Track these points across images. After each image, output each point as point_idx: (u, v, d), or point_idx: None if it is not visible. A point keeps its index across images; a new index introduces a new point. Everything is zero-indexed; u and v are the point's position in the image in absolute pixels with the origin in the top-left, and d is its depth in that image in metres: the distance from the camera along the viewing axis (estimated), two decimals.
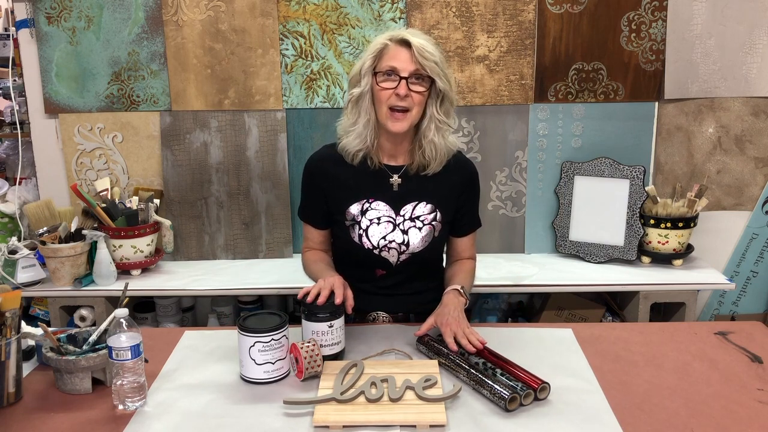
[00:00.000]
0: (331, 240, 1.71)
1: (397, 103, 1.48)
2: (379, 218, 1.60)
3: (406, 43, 1.48)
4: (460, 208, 1.65)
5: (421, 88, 1.49)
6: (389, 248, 1.60)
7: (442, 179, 1.61)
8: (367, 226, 1.60)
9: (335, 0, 2.34)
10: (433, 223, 1.61)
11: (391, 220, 1.60)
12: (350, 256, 1.64)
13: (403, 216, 1.60)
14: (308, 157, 1.67)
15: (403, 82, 1.47)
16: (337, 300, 1.41)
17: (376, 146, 1.58)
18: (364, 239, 1.60)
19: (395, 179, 1.60)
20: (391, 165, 1.61)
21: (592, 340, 1.53)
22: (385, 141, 1.59)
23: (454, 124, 1.58)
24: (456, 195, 1.63)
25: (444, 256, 1.76)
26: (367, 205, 1.60)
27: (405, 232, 1.60)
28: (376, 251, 1.61)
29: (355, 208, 1.60)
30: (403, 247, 1.61)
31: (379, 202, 1.60)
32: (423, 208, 1.61)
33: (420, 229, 1.60)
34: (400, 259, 1.62)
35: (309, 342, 1.36)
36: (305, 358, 1.32)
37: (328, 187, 1.62)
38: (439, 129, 1.54)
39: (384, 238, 1.60)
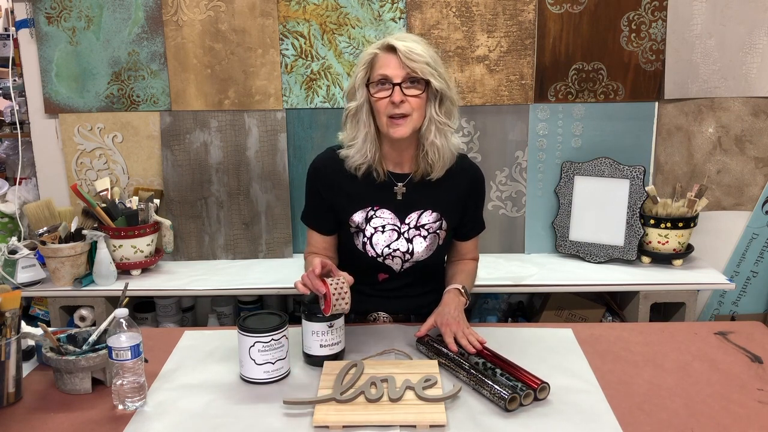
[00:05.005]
0: (336, 244, 1.68)
1: (395, 111, 1.45)
2: (383, 226, 1.58)
3: (393, 49, 1.45)
4: (465, 213, 1.64)
5: (416, 92, 1.45)
6: (393, 256, 1.59)
7: (447, 185, 1.58)
8: (372, 234, 1.58)
9: (335, 0, 2.34)
10: (438, 231, 1.60)
11: (396, 228, 1.58)
12: (353, 261, 1.62)
13: (408, 224, 1.59)
14: (312, 158, 1.64)
15: (397, 88, 1.44)
16: (317, 270, 1.37)
17: (378, 157, 1.55)
18: (368, 247, 1.59)
19: (399, 188, 1.58)
20: (396, 173, 1.58)
21: (592, 340, 1.53)
22: (389, 149, 1.56)
23: (456, 124, 1.54)
24: (462, 201, 1.61)
25: (445, 257, 1.75)
26: (371, 212, 1.58)
27: (410, 240, 1.59)
28: (380, 259, 1.60)
29: (359, 216, 1.58)
30: (407, 256, 1.60)
31: (384, 210, 1.58)
32: (428, 217, 1.59)
33: (425, 237, 1.59)
34: (404, 267, 1.61)
35: (339, 278, 1.36)
36: (333, 294, 1.32)
37: (331, 195, 1.59)
38: (440, 130, 1.50)
39: (388, 246, 1.58)
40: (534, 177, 2.48)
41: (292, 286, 2.17)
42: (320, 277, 1.37)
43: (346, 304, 1.34)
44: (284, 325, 1.34)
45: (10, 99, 2.53)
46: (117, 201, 2.32)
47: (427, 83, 1.46)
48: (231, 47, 2.37)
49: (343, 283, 1.36)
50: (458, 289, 1.57)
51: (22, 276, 2.21)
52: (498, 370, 1.30)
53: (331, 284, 1.35)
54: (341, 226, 1.62)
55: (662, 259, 2.33)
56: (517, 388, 1.24)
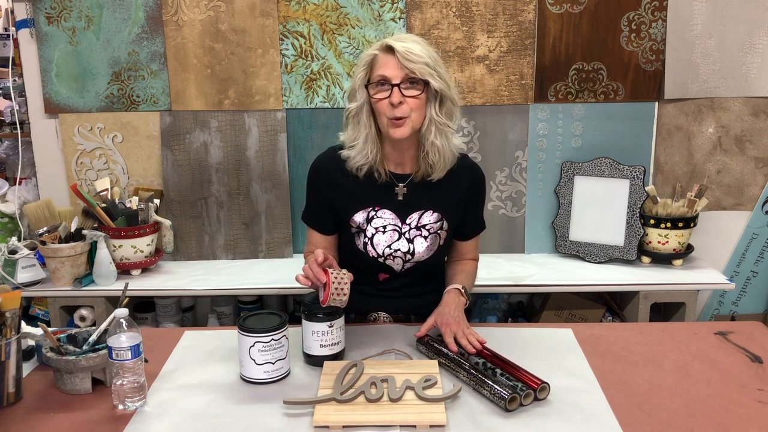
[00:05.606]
0: (336, 243, 1.68)
1: (395, 113, 1.44)
2: (384, 227, 1.58)
3: (392, 50, 1.44)
4: (466, 213, 1.63)
5: (415, 92, 1.45)
6: (394, 257, 1.59)
7: (448, 186, 1.58)
8: (373, 234, 1.58)
9: (335, 0, 2.35)
10: (439, 231, 1.60)
11: (397, 228, 1.58)
12: (354, 261, 1.62)
13: (409, 225, 1.59)
14: (313, 158, 1.64)
15: (396, 89, 1.43)
16: (319, 259, 1.38)
17: (380, 158, 1.55)
18: (369, 247, 1.59)
19: (401, 188, 1.58)
20: (397, 173, 1.58)
21: (592, 340, 1.53)
22: (390, 150, 1.56)
23: (456, 124, 1.54)
24: (463, 201, 1.61)
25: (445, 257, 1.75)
26: (372, 213, 1.58)
27: (410, 240, 1.59)
28: (380, 259, 1.60)
29: (360, 216, 1.58)
30: (408, 256, 1.59)
31: (385, 210, 1.58)
32: (429, 217, 1.59)
33: (426, 238, 1.59)
34: (405, 267, 1.61)
35: (341, 271, 1.37)
36: (333, 283, 1.33)
37: (332, 195, 1.59)
38: (440, 131, 1.49)
39: (389, 246, 1.58)
40: (534, 177, 2.48)
41: (292, 286, 2.21)
42: (322, 267, 1.38)
43: (345, 296, 1.34)
44: (284, 325, 1.34)
45: (10, 99, 2.53)
46: (117, 201, 2.32)
47: (426, 84, 1.46)
48: (231, 47, 2.37)
49: (344, 275, 1.37)
50: (458, 289, 1.57)
51: (22, 276, 2.21)
52: (498, 370, 1.30)
53: (332, 274, 1.35)
54: (342, 226, 1.62)
55: (662, 259, 2.33)
56: (517, 388, 1.24)
